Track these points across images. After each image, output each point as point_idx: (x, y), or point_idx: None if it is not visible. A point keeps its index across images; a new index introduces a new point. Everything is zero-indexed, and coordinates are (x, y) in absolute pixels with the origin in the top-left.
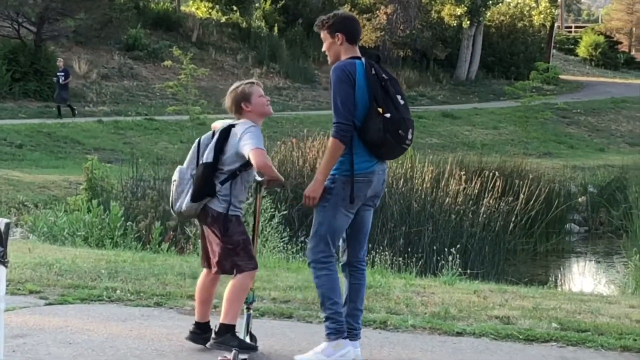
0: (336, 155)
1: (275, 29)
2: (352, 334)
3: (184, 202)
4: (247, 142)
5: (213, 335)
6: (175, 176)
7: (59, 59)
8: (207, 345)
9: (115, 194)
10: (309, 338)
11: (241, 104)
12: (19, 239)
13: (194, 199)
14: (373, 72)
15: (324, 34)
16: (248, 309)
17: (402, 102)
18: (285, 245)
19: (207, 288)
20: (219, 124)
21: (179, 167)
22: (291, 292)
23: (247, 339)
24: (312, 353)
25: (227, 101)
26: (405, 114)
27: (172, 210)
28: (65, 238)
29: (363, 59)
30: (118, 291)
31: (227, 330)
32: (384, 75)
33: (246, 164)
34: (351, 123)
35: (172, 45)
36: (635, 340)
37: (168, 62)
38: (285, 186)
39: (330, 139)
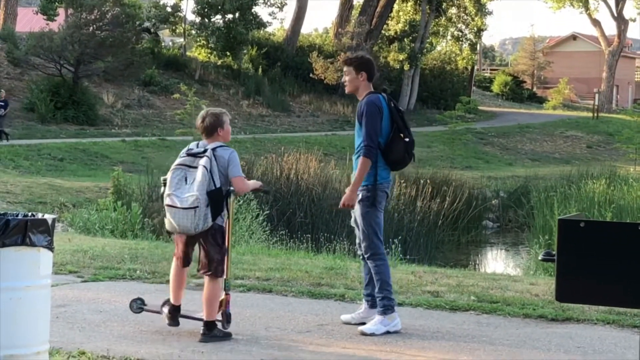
0: (367, 170)
1: (260, 70)
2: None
3: (207, 222)
4: (232, 169)
5: (203, 330)
6: (193, 203)
7: (1, 90)
8: (200, 339)
9: (135, 197)
10: (285, 308)
11: (217, 128)
12: (60, 232)
13: (214, 218)
14: (392, 105)
15: (349, 69)
16: (228, 294)
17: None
18: (267, 237)
19: (183, 277)
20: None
21: (195, 193)
22: (271, 273)
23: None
24: (373, 324)
25: (206, 121)
26: (413, 137)
27: (190, 231)
28: (96, 231)
29: (384, 94)
30: (138, 271)
31: (215, 325)
32: (400, 107)
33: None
34: (377, 146)
35: (180, 82)
36: (534, 309)
37: (177, 95)
38: (268, 192)
39: (362, 158)
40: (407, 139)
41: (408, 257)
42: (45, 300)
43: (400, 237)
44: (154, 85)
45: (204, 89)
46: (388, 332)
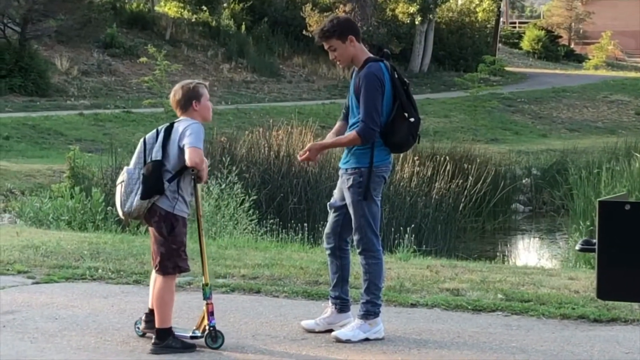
0: (350, 145)
1: (243, 27)
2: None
3: (134, 201)
4: (187, 139)
5: (154, 340)
6: (123, 177)
7: None
8: (149, 351)
9: (96, 181)
10: (276, 311)
11: (192, 101)
12: (7, 224)
13: (143, 196)
14: (396, 76)
15: (333, 42)
16: (210, 303)
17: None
18: (254, 227)
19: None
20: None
21: (126, 167)
22: (259, 269)
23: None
24: (350, 328)
25: (177, 94)
26: (419, 116)
27: (120, 212)
28: (50, 222)
29: (385, 62)
30: (100, 270)
31: (169, 333)
32: (405, 79)
33: None
34: (379, 129)
35: (147, 43)
36: (573, 309)
37: (144, 59)
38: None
39: (355, 133)
40: (411, 119)
41: (423, 248)
42: None
43: (413, 226)
44: (116, 48)
45: (176, 50)
46: (367, 340)
